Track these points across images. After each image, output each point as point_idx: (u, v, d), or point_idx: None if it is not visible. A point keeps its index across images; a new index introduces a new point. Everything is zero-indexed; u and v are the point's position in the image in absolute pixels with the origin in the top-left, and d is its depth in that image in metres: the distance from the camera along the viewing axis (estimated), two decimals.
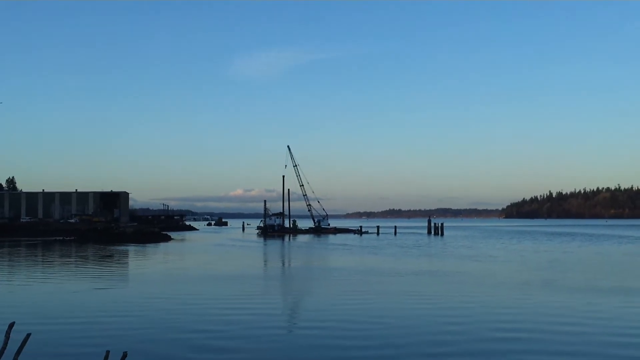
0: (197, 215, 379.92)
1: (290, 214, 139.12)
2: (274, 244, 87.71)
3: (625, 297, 28.13)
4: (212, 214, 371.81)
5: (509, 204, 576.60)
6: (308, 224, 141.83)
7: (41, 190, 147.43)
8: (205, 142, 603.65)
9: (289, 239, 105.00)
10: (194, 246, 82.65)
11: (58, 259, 57.31)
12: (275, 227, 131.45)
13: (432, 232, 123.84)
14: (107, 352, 7.49)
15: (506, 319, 22.39)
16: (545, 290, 30.97)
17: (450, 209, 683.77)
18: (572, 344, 18.07)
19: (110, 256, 60.14)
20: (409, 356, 16.69)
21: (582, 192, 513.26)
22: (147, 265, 49.96)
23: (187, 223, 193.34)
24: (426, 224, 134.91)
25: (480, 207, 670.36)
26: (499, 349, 17.32)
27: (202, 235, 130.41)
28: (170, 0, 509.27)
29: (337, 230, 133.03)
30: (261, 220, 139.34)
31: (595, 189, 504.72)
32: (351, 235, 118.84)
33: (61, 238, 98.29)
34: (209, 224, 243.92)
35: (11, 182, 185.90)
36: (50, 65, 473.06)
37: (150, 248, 74.89)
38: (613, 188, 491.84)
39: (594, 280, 35.49)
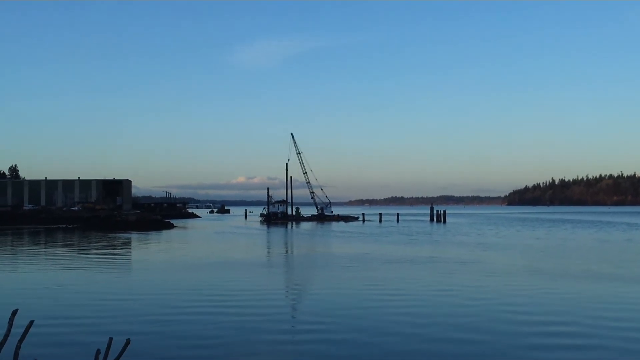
0: (199, 203, 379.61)
1: (293, 201, 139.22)
2: (277, 232, 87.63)
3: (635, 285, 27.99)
4: (214, 202, 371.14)
5: (512, 191, 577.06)
6: (311, 211, 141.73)
7: (44, 178, 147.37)
8: (207, 130, 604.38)
9: (292, 227, 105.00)
10: (197, 234, 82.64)
11: (61, 246, 57.30)
12: (278, 214, 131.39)
13: (435, 220, 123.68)
14: (110, 339, 7.29)
15: (519, 307, 22.21)
16: (554, 277, 30.77)
17: (453, 196, 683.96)
18: (583, 334, 17.89)
19: (113, 244, 60.11)
20: (419, 351, 16.51)
21: (585, 179, 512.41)
22: (150, 253, 49.98)
23: (190, 210, 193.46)
24: (428, 212, 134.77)
25: (482, 195, 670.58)
26: (512, 339, 17.16)
27: (205, 222, 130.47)
28: None
29: (340, 218, 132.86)
30: (264, 208, 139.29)
31: (597, 176, 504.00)
32: (354, 223, 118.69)
33: (64, 226, 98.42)
34: (212, 212, 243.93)
35: (14, 170, 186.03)
36: (53, 55, 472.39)
37: (152, 235, 74.86)
38: (616, 175, 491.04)
39: (604, 268, 35.30)
